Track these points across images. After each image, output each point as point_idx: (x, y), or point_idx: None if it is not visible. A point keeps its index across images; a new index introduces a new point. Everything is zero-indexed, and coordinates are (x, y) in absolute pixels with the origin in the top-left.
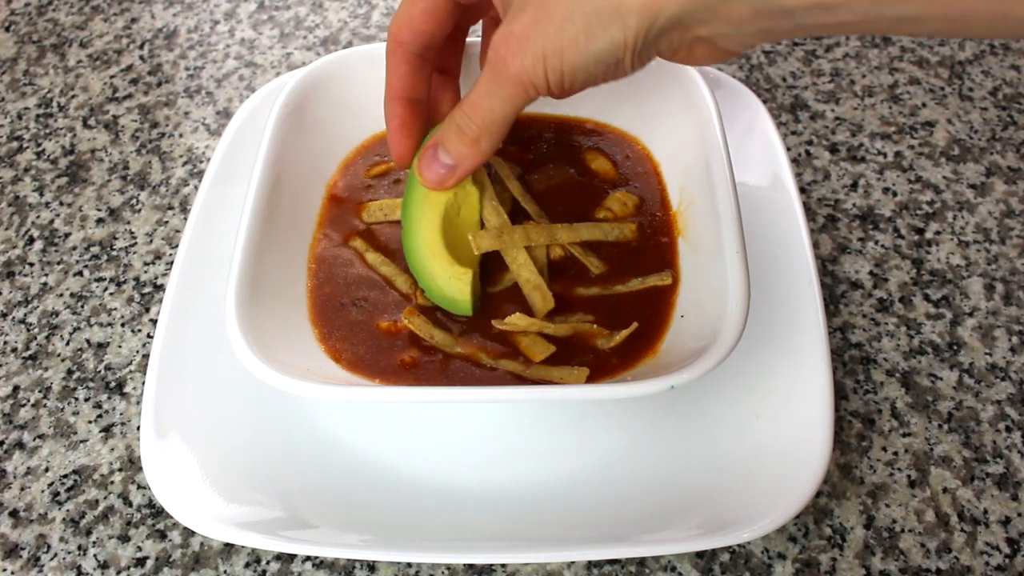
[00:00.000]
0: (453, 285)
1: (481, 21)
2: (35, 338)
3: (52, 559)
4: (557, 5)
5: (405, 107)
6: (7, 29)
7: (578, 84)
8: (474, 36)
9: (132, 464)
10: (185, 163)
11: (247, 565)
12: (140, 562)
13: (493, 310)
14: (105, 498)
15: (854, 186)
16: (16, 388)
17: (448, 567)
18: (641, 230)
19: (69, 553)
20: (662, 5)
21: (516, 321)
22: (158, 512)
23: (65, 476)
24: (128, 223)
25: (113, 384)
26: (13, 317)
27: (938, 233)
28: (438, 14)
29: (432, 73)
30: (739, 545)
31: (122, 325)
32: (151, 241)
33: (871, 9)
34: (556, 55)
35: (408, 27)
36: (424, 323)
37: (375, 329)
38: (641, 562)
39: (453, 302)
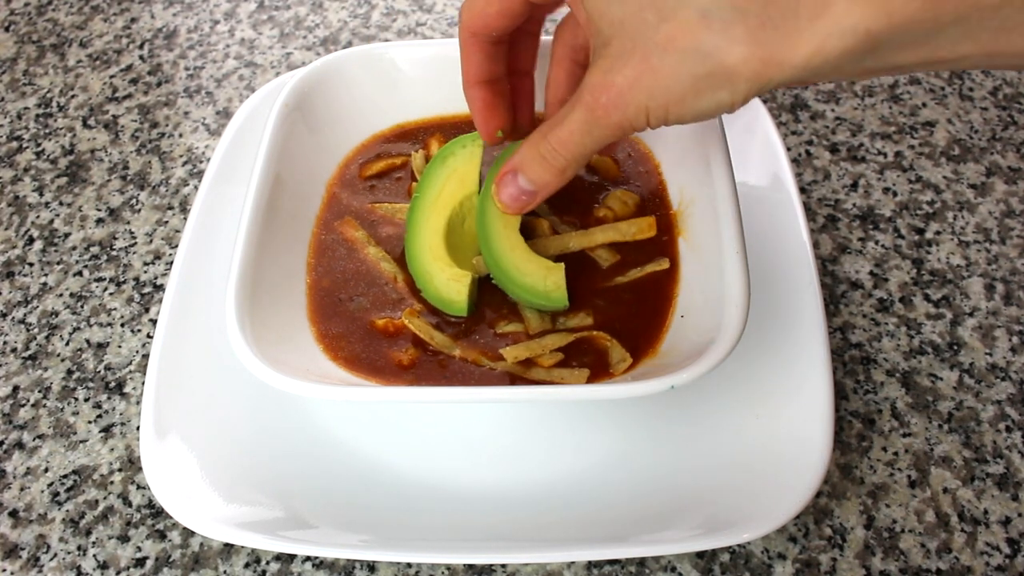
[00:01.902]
0: (451, 286)
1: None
2: (35, 338)
3: (52, 559)
4: (663, 62)
5: (485, 90)
6: (7, 29)
7: (679, 123)
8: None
9: (132, 464)
10: (185, 163)
11: (247, 565)
12: (140, 562)
13: (490, 314)
14: (105, 498)
15: (854, 186)
16: (16, 388)
17: (448, 567)
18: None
19: (69, 553)
20: (774, 74)
21: (518, 353)
22: (158, 512)
23: (65, 476)
24: (128, 223)
25: (113, 384)
26: (13, 317)
27: (938, 233)
28: (513, 9)
29: (507, 59)
30: (739, 545)
31: (122, 325)
32: (151, 241)
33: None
34: (661, 109)
35: (482, 20)
36: (425, 324)
37: (373, 327)
38: (641, 562)
39: (449, 303)
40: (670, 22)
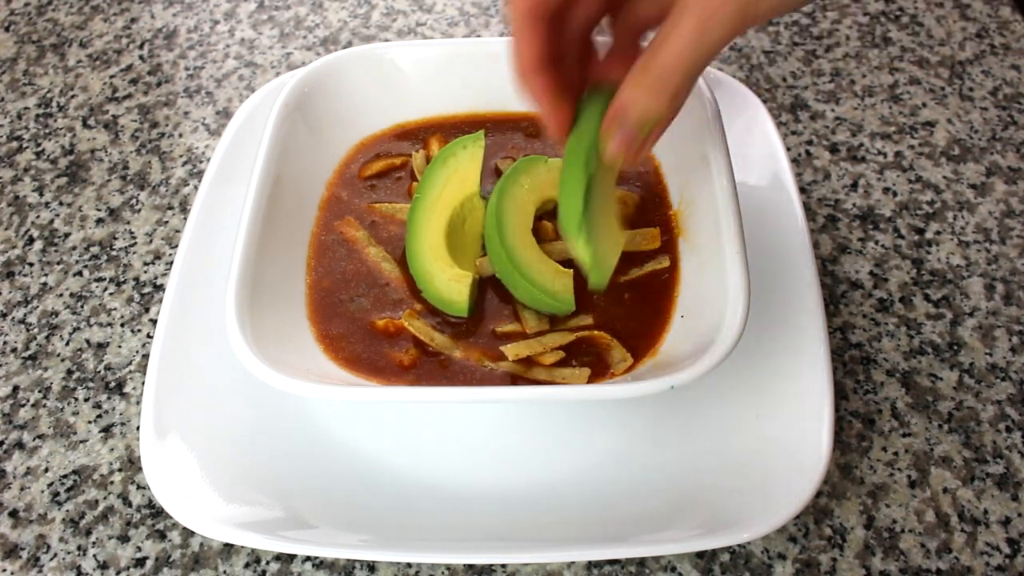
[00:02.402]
0: (452, 287)
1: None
2: (35, 338)
3: (52, 559)
4: None
5: (546, 77)
6: (7, 29)
7: (784, 10)
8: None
9: (132, 464)
10: (185, 163)
11: (247, 565)
12: (140, 562)
13: (490, 314)
14: (105, 498)
15: (854, 186)
16: (16, 388)
17: (448, 567)
18: (642, 230)
19: (69, 553)
20: None
21: (519, 351)
22: (158, 512)
23: (65, 476)
24: (128, 223)
25: (113, 384)
26: (13, 317)
27: (938, 233)
28: None
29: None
30: (739, 545)
31: (122, 325)
32: (151, 241)
33: None
34: None
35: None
36: (424, 326)
37: (373, 328)
38: (641, 562)
39: (449, 303)
40: None
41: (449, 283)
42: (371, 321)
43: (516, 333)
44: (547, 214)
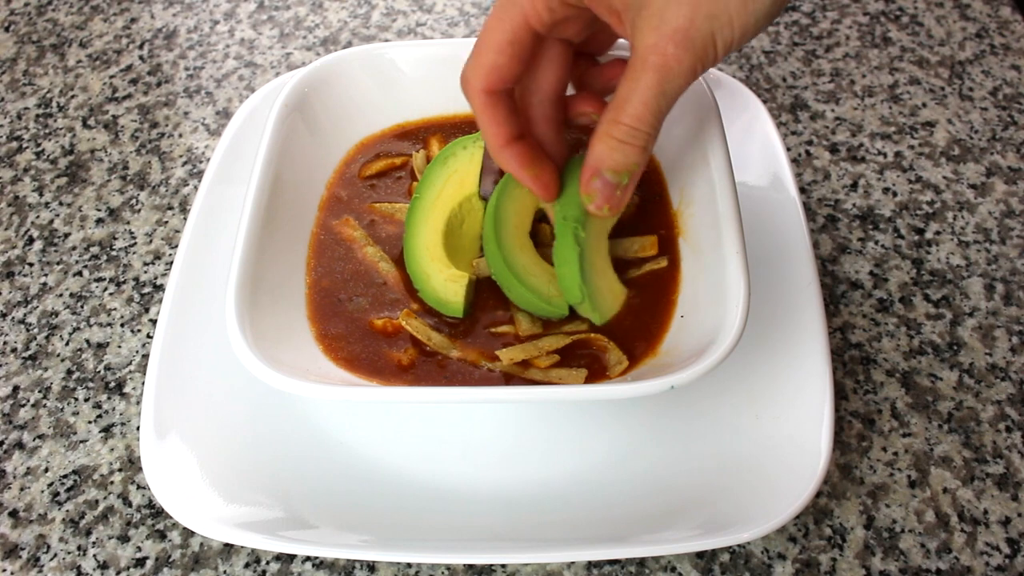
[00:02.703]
0: (448, 287)
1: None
2: (35, 338)
3: (52, 559)
4: None
5: (522, 146)
6: (7, 29)
7: (743, 43)
8: None
9: (132, 464)
10: (185, 163)
11: (247, 565)
12: (140, 562)
13: (486, 315)
14: (105, 498)
15: (854, 186)
16: (16, 388)
17: (448, 567)
18: (640, 232)
19: (69, 553)
20: None
21: (514, 355)
22: (158, 512)
23: (65, 476)
24: (128, 223)
25: (113, 384)
26: (13, 317)
27: (938, 233)
28: (524, 54)
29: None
30: (739, 545)
31: (122, 325)
32: (151, 241)
33: None
34: (727, 27)
35: (496, 74)
36: (422, 325)
37: (372, 327)
38: (641, 562)
39: (445, 303)
40: None
41: (445, 283)
42: (369, 321)
43: (511, 334)
44: (546, 217)
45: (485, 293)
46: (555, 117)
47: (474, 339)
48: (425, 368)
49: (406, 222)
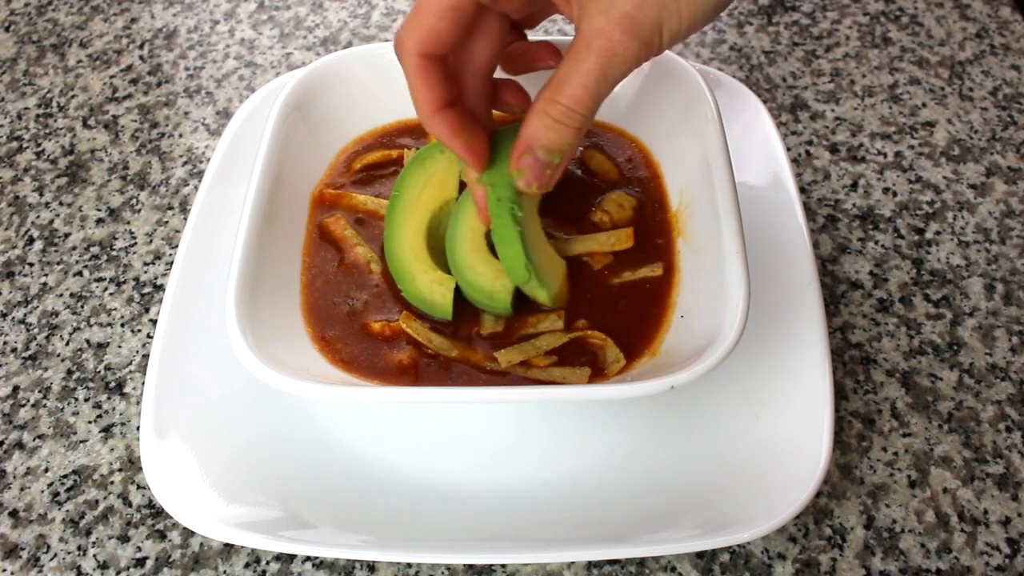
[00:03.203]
0: (435, 289)
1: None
2: (35, 338)
3: (52, 559)
4: None
5: (452, 113)
6: (7, 29)
7: (689, 34)
8: None
9: (132, 464)
10: (185, 163)
11: (247, 565)
12: (140, 562)
13: (475, 316)
14: (105, 498)
15: (854, 186)
16: (16, 388)
17: (448, 567)
18: (638, 233)
19: (69, 553)
20: None
21: (511, 357)
22: (158, 512)
23: (65, 476)
24: (128, 223)
25: (113, 384)
26: (13, 317)
27: (938, 233)
28: (464, 22)
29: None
30: (739, 545)
31: (122, 325)
32: (151, 241)
33: None
34: (675, 17)
35: (433, 38)
36: (422, 327)
37: (369, 331)
38: (641, 562)
39: (432, 305)
40: None
41: (431, 285)
42: (366, 324)
43: (505, 334)
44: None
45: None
46: (485, 91)
47: (475, 340)
48: (425, 368)
49: (386, 220)
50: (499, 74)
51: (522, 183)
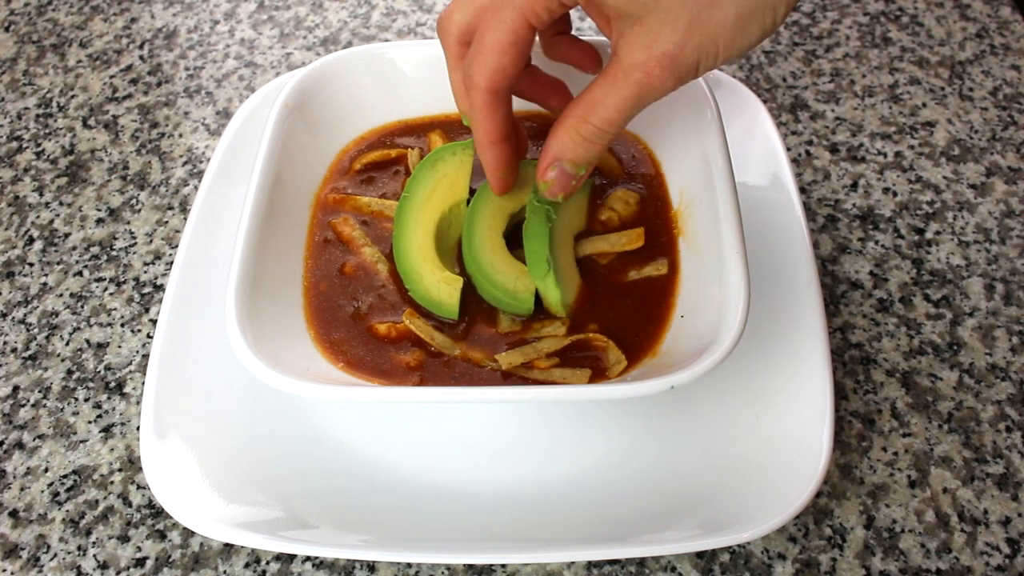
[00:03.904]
0: (442, 289)
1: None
2: (35, 338)
3: (52, 559)
4: (711, 16)
5: (506, 147)
6: (7, 29)
7: (721, 65)
8: None
9: (132, 464)
10: (185, 163)
11: (247, 565)
12: (140, 562)
13: (482, 315)
14: (105, 498)
15: (854, 186)
16: (16, 388)
17: (448, 567)
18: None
19: (69, 553)
20: None
21: (513, 359)
22: (158, 512)
23: (65, 476)
24: (128, 223)
25: (113, 384)
26: (13, 317)
27: (938, 233)
28: (526, 52)
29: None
30: (739, 545)
31: (122, 325)
32: (151, 241)
33: None
34: (712, 57)
35: (502, 74)
36: (425, 325)
37: (374, 332)
38: (641, 562)
39: (439, 304)
40: None
41: (439, 285)
42: (371, 326)
43: (509, 333)
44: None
45: (477, 295)
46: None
47: (478, 339)
48: (426, 368)
49: (395, 220)
50: (537, 60)
51: (547, 193)
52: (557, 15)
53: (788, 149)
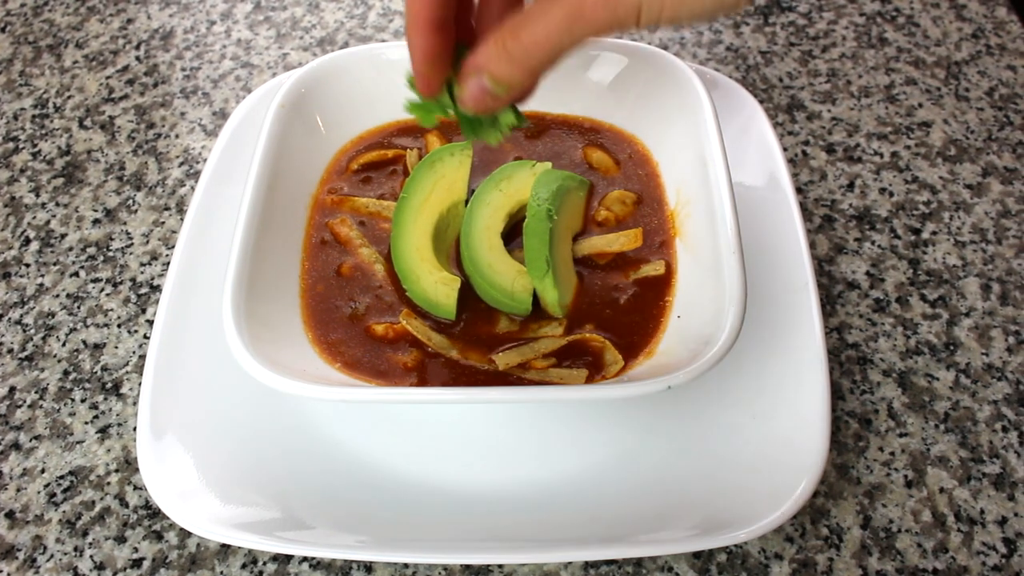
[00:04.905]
0: (439, 290)
1: None
2: (31, 339)
3: (48, 560)
4: None
5: (433, 35)
6: (3, 30)
7: (671, 25)
8: None
9: (128, 465)
10: (181, 164)
11: (244, 566)
12: (136, 563)
13: (480, 316)
14: (101, 499)
15: (851, 186)
16: (12, 389)
17: (445, 568)
18: (643, 232)
19: (65, 554)
20: None
21: (510, 360)
22: (154, 513)
23: (61, 477)
24: (124, 224)
25: (109, 385)
26: (9, 318)
27: (935, 233)
28: None
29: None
30: (736, 545)
31: (118, 326)
32: (147, 242)
33: None
34: (656, 10)
35: None
36: (422, 325)
37: (372, 334)
38: (638, 562)
39: (436, 304)
40: None
41: (436, 285)
42: (369, 327)
43: (504, 334)
44: (520, 221)
45: (474, 295)
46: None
47: (475, 340)
48: (426, 369)
49: (394, 221)
50: None
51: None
52: None
53: (785, 149)
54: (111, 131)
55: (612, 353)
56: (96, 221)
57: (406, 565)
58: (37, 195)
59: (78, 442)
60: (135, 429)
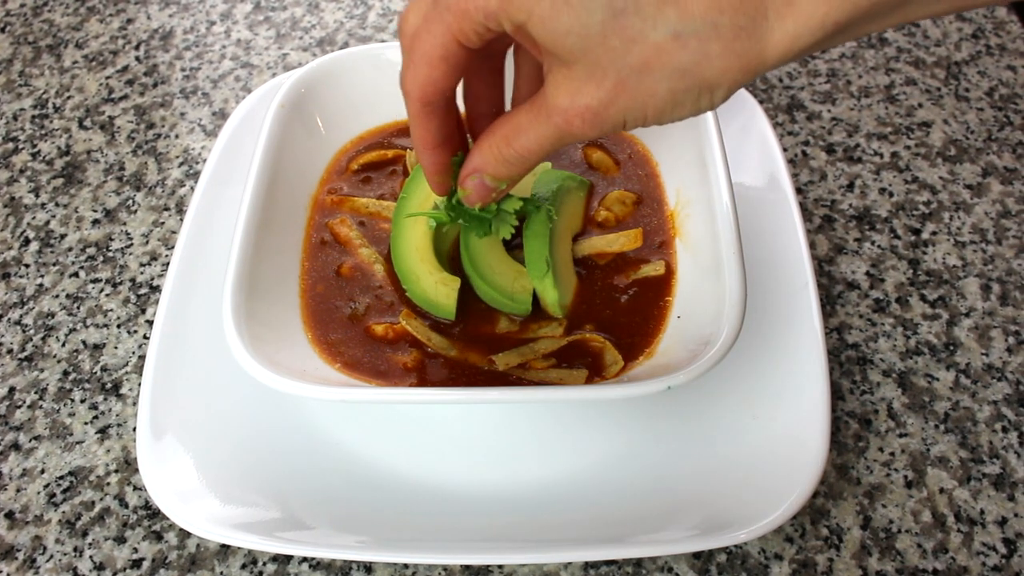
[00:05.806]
0: (439, 290)
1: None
2: (31, 339)
3: (48, 561)
4: (641, 83)
5: (443, 153)
6: (3, 30)
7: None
8: None
9: (128, 465)
10: (181, 164)
11: (243, 567)
12: (136, 564)
13: (480, 316)
14: (101, 499)
15: (851, 186)
16: (12, 389)
17: (444, 568)
18: (643, 233)
19: (65, 555)
20: (750, 76)
21: (509, 360)
22: (154, 514)
23: (61, 477)
24: (124, 224)
25: (109, 385)
26: (9, 319)
27: (934, 233)
28: (459, 67)
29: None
30: (736, 546)
31: (118, 326)
32: (147, 242)
33: None
34: (639, 120)
35: (432, 87)
36: (422, 325)
37: (372, 334)
38: (638, 563)
39: (436, 305)
40: (640, 44)
41: (436, 286)
42: (369, 327)
43: (504, 334)
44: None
45: (474, 295)
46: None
47: (474, 340)
48: (426, 370)
49: (393, 221)
50: None
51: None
52: (487, 38)
53: (784, 150)
54: (111, 131)
55: (612, 353)
56: (96, 221)
57: (406, 565)
58: (37, 195)
59: (78, 442)
60: (135, 429)
